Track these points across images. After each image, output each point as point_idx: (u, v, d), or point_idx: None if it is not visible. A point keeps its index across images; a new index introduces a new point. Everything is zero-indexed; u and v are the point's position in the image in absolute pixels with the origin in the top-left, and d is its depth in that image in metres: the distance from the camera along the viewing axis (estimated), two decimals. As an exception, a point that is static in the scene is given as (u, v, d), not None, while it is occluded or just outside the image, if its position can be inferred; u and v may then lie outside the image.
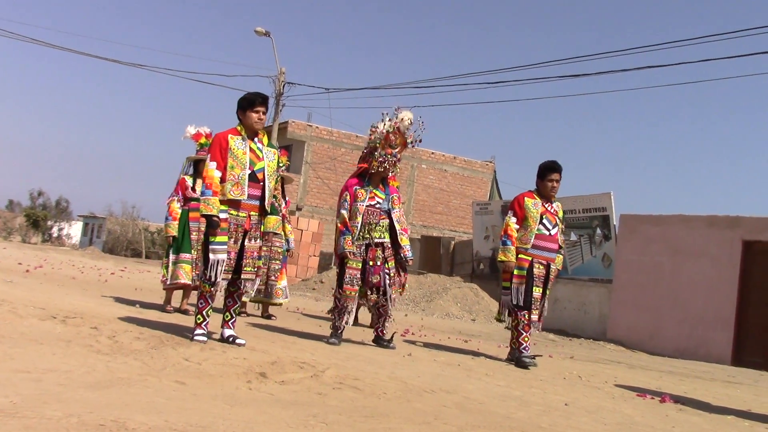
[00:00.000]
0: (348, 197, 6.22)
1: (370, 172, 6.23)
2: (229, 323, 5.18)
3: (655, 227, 12.96)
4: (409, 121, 6.23)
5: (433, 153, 29.95)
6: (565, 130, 77.15)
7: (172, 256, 7.11)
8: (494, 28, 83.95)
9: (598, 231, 14.18)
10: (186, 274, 7.04)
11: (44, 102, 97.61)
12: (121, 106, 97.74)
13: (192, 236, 7.14)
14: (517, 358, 6.37)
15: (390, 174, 6.30)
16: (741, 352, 11.47)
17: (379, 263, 6.18)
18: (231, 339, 5.04)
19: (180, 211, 7.17)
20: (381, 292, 6.21)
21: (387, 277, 6.19)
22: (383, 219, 6.23)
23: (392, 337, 6.52)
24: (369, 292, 6.20)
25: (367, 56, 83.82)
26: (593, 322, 13.83)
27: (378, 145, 6.21)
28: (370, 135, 6.31)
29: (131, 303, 7.52)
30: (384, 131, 6.21)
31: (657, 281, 12.66)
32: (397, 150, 6.24)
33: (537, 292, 6.38)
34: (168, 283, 7.16)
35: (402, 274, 6.34)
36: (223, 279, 5.02)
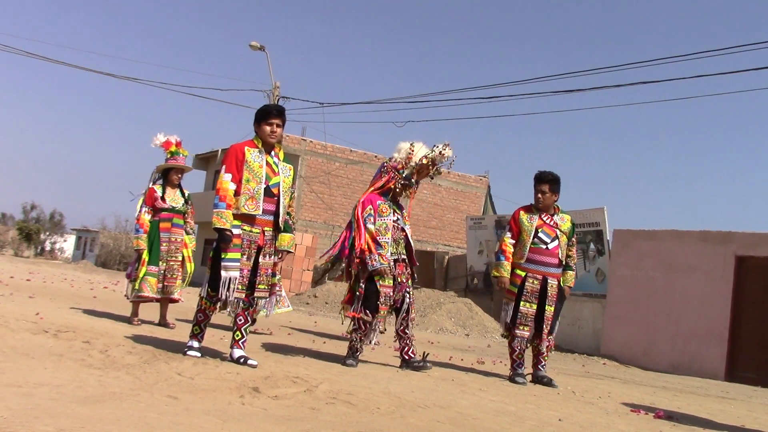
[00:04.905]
0: (372, 211, 5.89)
1: (393, 190, 6.00)
2: (239, 343, 4.94)
3: (648, 242, 13.00)
4: (444, 159, 6.01)
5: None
6: (558, 144, 77.50)
7: (141, 269, 7.04)
8: (488, 43, 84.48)
9: (592, 246, 14.22)
10: (151, 288, 6.96)
11: (37, 115, 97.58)
12: (116, 120, 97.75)
13: (162, 247, 7.08)
14: (509, 376, 6.34)
15: (403, 194, 6.06)
16: (734, 368, 11.48)
17: (404, 280, 5.96)
18: (242, 360, 4.82)
19: (149, 222, 7.10)
20: (402, 312, 5.96)
21: (408, 296, 5.99)
22: (404, 235, 6.03)
23: (425, 356, 6.22)
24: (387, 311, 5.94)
25: (361, 71, 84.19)
26: (587, 337, 13.84)
27: (410, 168, 5.98)
28: (409, 155, 5.99)
29: (123, 317, 7.48)
30: (420, 159, 5.96)
31: (650, 296, 12.69)
32: (418, 176, 6.04)
33: (529, 307, 6.20)
34: (133, 296, 7.09)
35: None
36: (235, 297, 4.83)
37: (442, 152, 6.00)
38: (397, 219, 6.03)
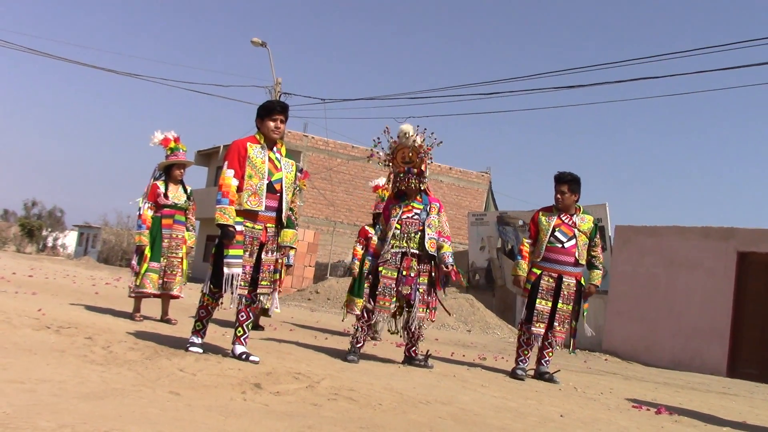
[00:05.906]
0: (383, 220, 6.13)
1: (400, 189, 6.08)
2: (241, 339, 4.91)
3: (650, 238, 12.99)
4: (404, 134, 6.02)
5: (428, 163, 30.01)
6: (560, 140, 77.48)
7: (142, 265, 7.04)
8: (489, 39, 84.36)
9: (594, 242, 14.19)
10: (152, 283, 6.96)
11: (39, 111, 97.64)
12: (117, 116, 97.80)
13: (163, 243, 7.07)
14: (511, 370, 6.37)
15: (420, 187, 6.07)
16: (736, 364, 11.47)
17: (412, 275, 5.92)
18: (244, 356, 4.81)
19: (152, 218, 7.09)
20: (408, 308, 5.98)
21: (417, 292, 5.94)
22: (421, 230, 5.97)
23: (428, 354, 6.26)
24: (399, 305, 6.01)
25: (362, 67, 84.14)
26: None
27: (390, 167, 6.12)
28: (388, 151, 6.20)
29: (125, 313, 7.48)
30: (388, 154, 6.10)
31: (652, 292, 12.67)
32: (411, 164, 6.03)
33: (545, 305, 6.25)
34: (134, 292, 7.09)
35: (433, 294, 6.07)
36: (239, 294, 4.81)
37: (399, 134, 6.07)
38: (415, 214, 6.01)
